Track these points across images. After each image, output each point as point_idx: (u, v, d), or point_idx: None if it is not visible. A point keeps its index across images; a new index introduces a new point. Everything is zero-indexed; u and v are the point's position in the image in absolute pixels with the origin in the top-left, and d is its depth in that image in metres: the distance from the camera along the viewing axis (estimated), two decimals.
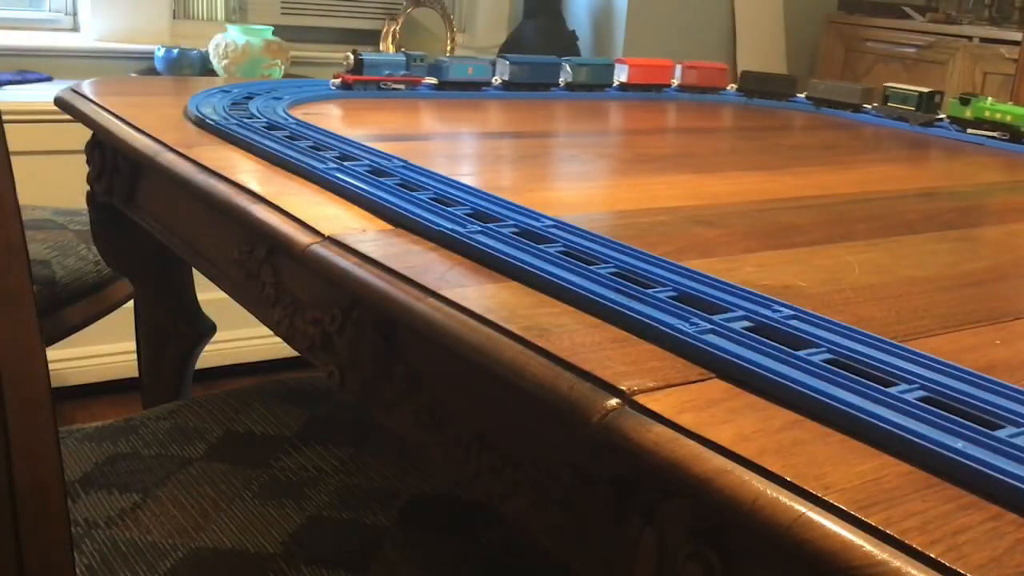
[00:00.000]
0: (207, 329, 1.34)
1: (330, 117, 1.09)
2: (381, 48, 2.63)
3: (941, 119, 1.38)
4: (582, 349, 0.49)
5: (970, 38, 2.74)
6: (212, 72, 2.22)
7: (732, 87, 1.58)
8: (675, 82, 1.53)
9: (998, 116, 1.30)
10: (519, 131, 1.16)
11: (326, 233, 0.66)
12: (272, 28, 2.27)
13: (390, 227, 0.69)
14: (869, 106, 1.46)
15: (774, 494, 0.38)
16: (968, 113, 1.33)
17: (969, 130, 1.32)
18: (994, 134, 1.30)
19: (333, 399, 1.02)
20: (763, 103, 1.53)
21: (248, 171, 0.81)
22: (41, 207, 1.58)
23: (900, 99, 1.39)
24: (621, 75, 1.47)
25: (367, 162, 0.83)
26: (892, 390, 0.45)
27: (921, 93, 1.36)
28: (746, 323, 0.53)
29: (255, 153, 0.87)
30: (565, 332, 0.51)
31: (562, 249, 0.64)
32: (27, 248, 0.58)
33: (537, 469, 0.53)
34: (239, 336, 2.14)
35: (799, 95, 1.54)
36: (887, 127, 1.40)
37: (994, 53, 2.66)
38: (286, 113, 1.03)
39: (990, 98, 1.34)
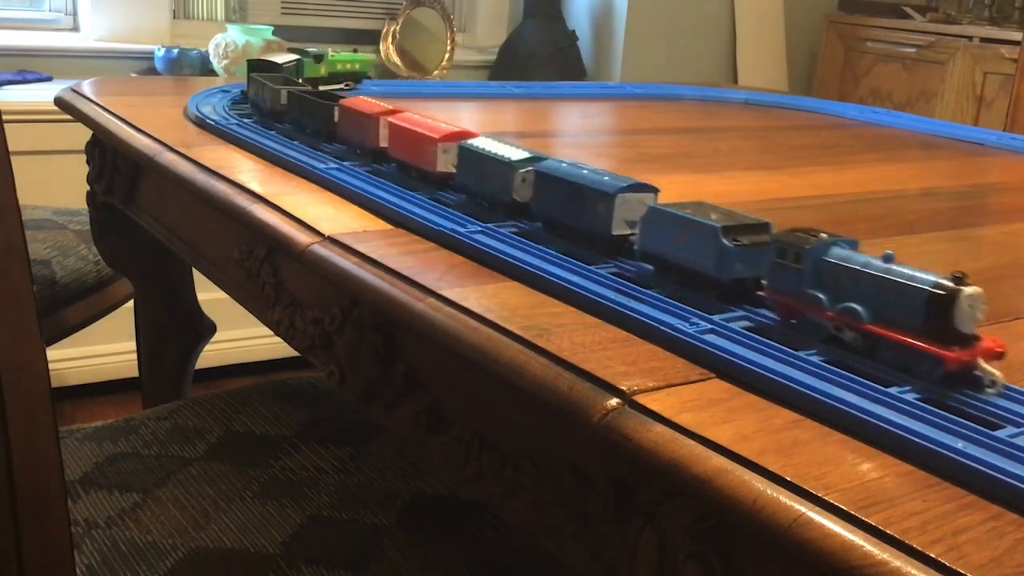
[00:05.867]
0: (207, 329, 1.34)
1: None
2: (381, 48, 2.63)
3: (299, 82, 1.35)
4: (582, 349, 0.49)
5: (970, 38, 2.74)
6: (212, 72, 2.22)
7: None
8: None
9: (348, 66, 1.32)
10: (522, 131, 1.16)
11: (326, 233, 0.66)
12: (272, 28, 2.27)
13: (390, 227, 0.69)
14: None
15: (774, 494, 0.38)
16: (323, 70, 1.31)
17: (322, 87, 1.24)
18: (341, 85, 1.31)
19: (333, 399, 1.02)
20: None
21: (248, 171, 0.81)
22: (41, 207, 1.58)
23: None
24: None
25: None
26: (892, 390, 0.45)
27: (293, 62, 1.27)
28: (746, 323, 0.53)
29: (255, 153, 0.87)
30: (565, 332, 0.51)
31: (562, 249, 0.64)
32: (27, 248, 0.58)
33: (537, 469, 0.53)
34: (239, 336, 2.14)
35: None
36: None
37: (994, 53, 2.66)
38: None
39: (331, 51, 1.34)
